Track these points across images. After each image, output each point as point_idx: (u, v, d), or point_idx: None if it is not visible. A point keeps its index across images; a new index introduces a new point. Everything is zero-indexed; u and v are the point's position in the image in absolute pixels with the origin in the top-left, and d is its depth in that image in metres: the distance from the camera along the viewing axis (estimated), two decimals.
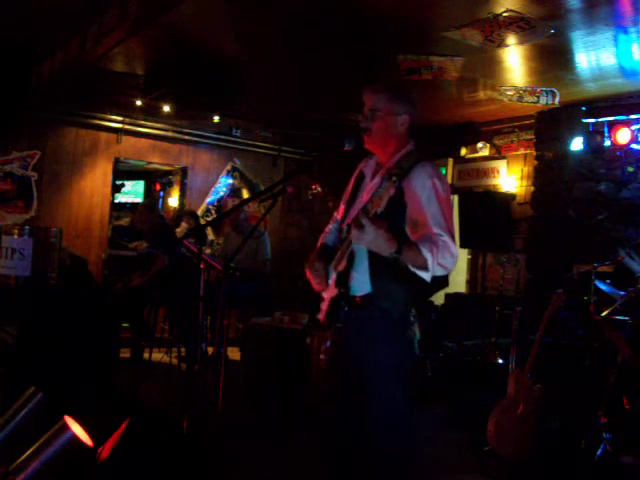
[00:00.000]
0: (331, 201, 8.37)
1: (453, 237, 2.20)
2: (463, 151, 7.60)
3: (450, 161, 7.79)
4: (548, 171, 6.64)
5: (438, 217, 2.20)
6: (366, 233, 2.06)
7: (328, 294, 2.40)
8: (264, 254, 6.59)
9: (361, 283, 2.31)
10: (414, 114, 2.42)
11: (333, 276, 2.39)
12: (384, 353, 2.27)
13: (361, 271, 2.31)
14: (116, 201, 8.81)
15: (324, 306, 2.42)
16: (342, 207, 2.58)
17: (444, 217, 2.21)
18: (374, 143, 2.43)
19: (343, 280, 2.34)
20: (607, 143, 5.84)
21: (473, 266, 7.48)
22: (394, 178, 2.20)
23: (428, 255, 2.11)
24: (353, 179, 2.57)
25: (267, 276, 6.71)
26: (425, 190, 2.24)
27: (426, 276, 2.18)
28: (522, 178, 7.06)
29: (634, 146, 5.73)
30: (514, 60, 5.21)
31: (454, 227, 2.28)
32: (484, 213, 6.08)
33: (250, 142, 8.58)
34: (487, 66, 5.39)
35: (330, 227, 2.66)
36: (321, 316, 2.43)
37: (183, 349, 5.91)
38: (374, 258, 2.25)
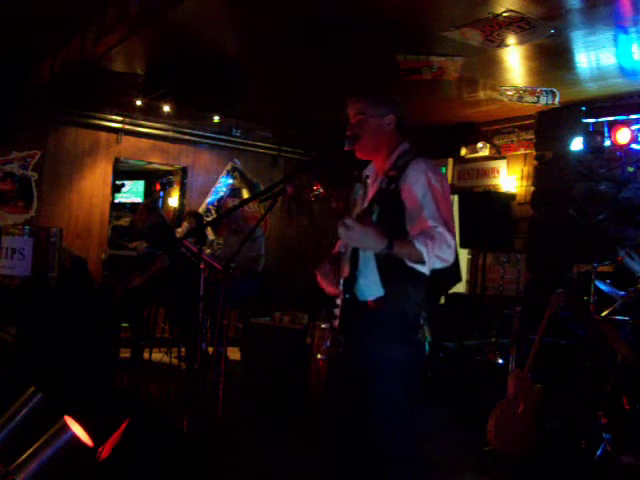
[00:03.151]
0: (334, 202, 8.37)
1: (449, 228, 2.19)
2: (463, 151, 7.59)
3: (450, 161, 7.79)
4: (548, 171, 6.64)
5: (432, 209, 2.21)
6: (352, 231, 2.09)
7: (340, 300, 2.41)
8: (257, 249, 6.53)
9: (370, 287, 2.30)
10: (399, 114, 2.45)
11: (341, 282, 2.40)
12: (394, 353, 2.27)
13: (368, 275, 2.30)
14: (116, 201, 8.81)
15: (338, 312, 2.42)
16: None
17: (438, 209, 2.21)
18: (365, 149, 2.44)
19: (349, 285, 2.34)
20: (607, 143, 5.83)
21: (473, 266, 7.48)
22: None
23: (423, 248, 2.11)
24: None
25: (266, 275, 6.70)
26: (419, 185, 2.25)
27: (424, 269, 2.20)
28: (522, 178, 7.06)
29: (634, 146, 5.72)
30: (514, 60, 5.21)
31: (452, 219, 2.27)
32: (484, 213, 6.07)
33: (250, 142, 8.58)
34: (487, 66, 5.39)
35: None
36: (336, 323, 2.43)
37: (183, 349, 5.90)
38: (382, 261, 2.25)
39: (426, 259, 2.12)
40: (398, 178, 2.30)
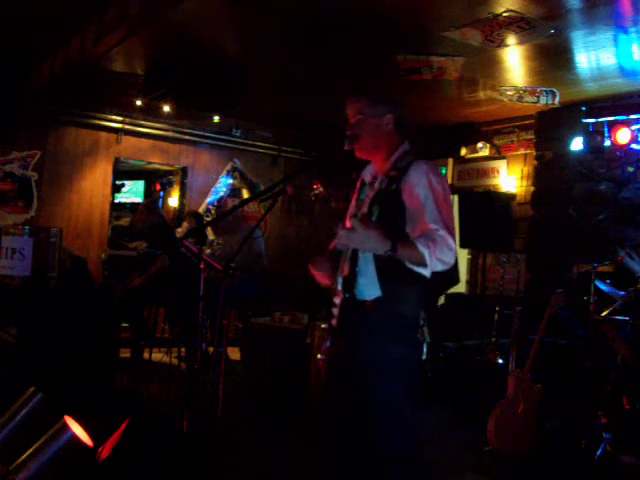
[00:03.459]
0: (334, 201, 8.37)
1: (450, 231, 2.20)
2: (463, 151, 7.59)
3: (450, 161, 7.79)
4: (548, 171, 6.64)
5: (434, 212, 2.21)
6: (355, 233, 2.10)
7: (339, 299, 2.40)
8: (256, 249, 6.51)
9: (369, 287, 2.29)
10: (398, 113, 2.45)
11: (340, 281, 2.39)
12: (394, 353, 2.26)
13: (368, 275, 2.30)
14: (116, 201, 8.81)
15: (336, 312, 2.42)
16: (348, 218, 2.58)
17: (440, 212, 2.21)
18: (364, 149, 2.44)
19: (349, 285, 2.33)
20: (607, 143, 5.83)
21: (473, 266, 7.48)
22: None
23: (425, 251, 2.11)
24: (356, 191, 2.58)
25: (266, 275, 6.69)
26: (421, 187, 2.25)
27: (425, 272, 2.21)
28: (522, 178, 7.06)
29: (634, 146, 5.72)
30: (514, 60, 5.21)
31: (453, 222, 2.27)
32: (484, 213, 6.07)
33: (250, 142, 8.58)
34: (487, 66, 5.39)
35: None
36: (334, 321, 2.42)
37: (183, 349, 5.90)
38: (380, 261, 2.25)
39: (428, 262, 2.12)
40: (399, 179, 2.30)
